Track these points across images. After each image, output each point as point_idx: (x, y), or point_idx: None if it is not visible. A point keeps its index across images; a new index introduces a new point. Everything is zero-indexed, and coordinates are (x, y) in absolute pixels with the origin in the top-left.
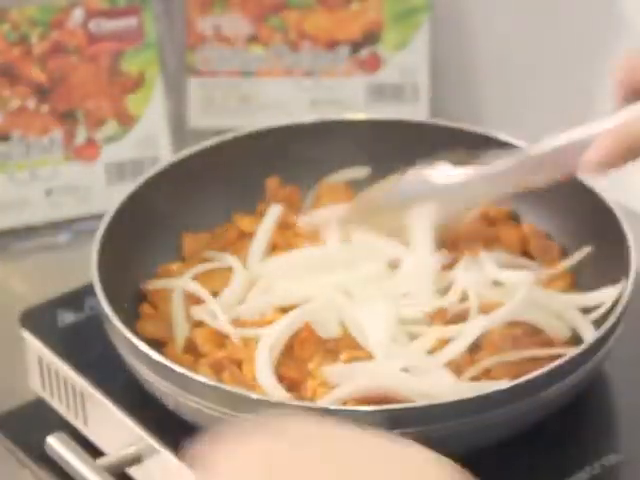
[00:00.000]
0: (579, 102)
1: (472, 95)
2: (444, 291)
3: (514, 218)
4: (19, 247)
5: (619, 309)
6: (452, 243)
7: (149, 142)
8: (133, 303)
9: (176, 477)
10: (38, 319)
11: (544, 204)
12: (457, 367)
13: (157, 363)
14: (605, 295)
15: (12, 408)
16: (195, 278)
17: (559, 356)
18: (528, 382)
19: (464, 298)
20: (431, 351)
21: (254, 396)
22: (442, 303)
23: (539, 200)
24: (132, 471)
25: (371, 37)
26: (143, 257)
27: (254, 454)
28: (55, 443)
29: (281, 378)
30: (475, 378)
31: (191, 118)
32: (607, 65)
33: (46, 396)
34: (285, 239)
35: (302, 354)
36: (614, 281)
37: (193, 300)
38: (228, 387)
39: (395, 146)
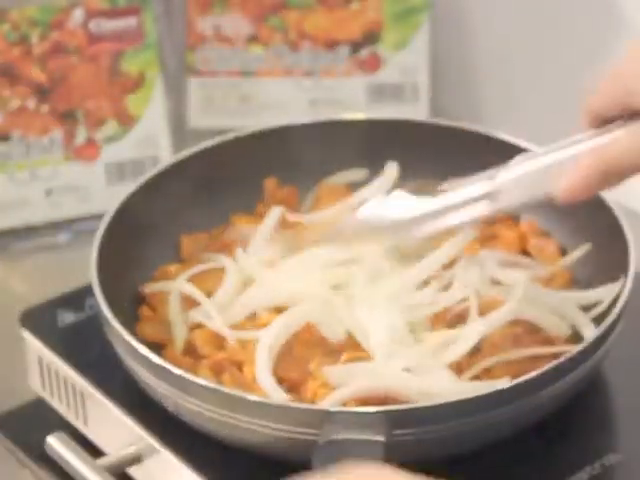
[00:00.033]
0: (579, 102)
1: (472, 95)
2: (444, 290)
3: (512, 216)
4: (19, 247)
5: (619, 306)
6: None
7: (149, 142)
8: (132, 304)
9: (176, 477)
10: (38, 319)
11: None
12: (458, 366)
13: (156, 365)
14: (604, 292)
15: (12, 408)
16: (192, 279)
17: (559, 354)
18: (529, 381)
19: (464, 297)
20: (433, 352)
21: (253, 398)
22: (443, 303)
23: None
24: (132, 471)
25: (371, 37)
26: (143, 258)
27: None
28: (55, 443)
29: (282, 379)
30: (475, 377)
31: (191, 118)
32: (607, 65)
33: (46, 396)
34: None
35: (302, 355)
36: (613, 279)
37: (191, 302)
38: (227, 389)
39: (395, 146)
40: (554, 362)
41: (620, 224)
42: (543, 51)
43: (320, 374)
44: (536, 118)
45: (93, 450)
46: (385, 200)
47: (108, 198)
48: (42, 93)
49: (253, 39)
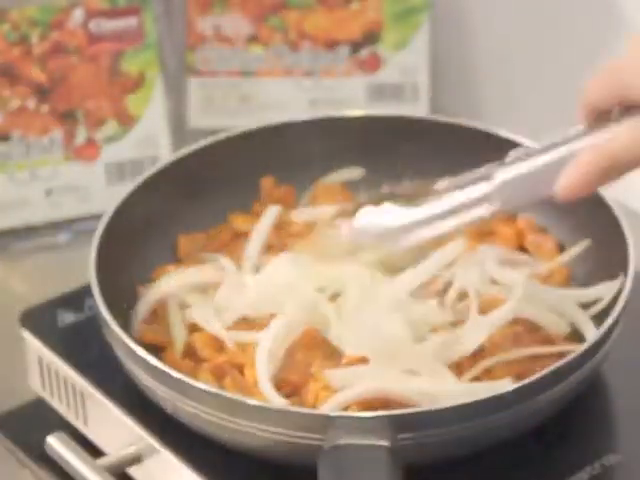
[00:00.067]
0: (578, 99)
1: (472, 95)
2: (443, 290)
3: (510, 213)
4: (19, 247)
5: (618, 308)
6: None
7: (149, 142)
8: (132, 304)
9: (176, 477)
10: (38, 319)
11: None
12: (458, 367)
13: (154, 368)
14: (604, 290)
15: (12, 408)
16: None
17: (560, 353)
18: (532, 383)
19: (463, 296)
20: (434, 353)
21: (252, 402)
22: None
23: None
24: (132, 471)
25: (371, 37)
26: (141, 258)
27: None
28: (55, 443)
29: (283, 382)
30: (476, 378)
31: (191, 118)
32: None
33: (46, 396)
34: (280, 239)
35: (304, 357)
36: (612, 276)
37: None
38: (226, 393)
39: (393, 143)
40: (554, 365)
41: (619, 221)
42: (543, 51)
43: (321, 377)
44: (536, 118)
45: (93, 450)
46: (378, 209)
47: (108, 198)
48: (42, 93)
49: (253, 39)
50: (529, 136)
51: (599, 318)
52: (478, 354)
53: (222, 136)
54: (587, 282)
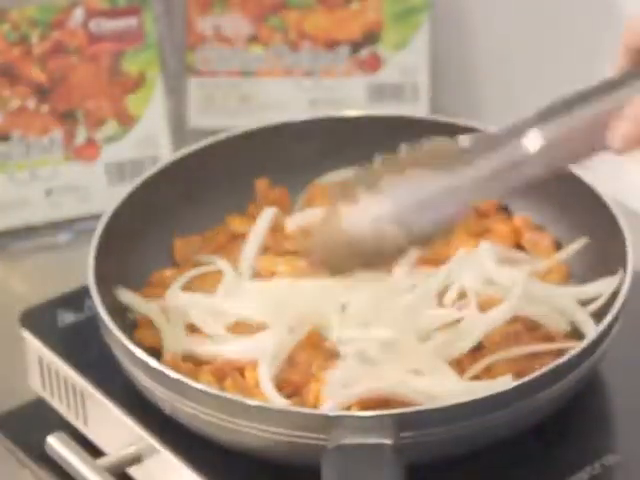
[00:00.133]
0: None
1: (472, 95)
2: (443, 290)
3: (505, 210)
4: (19, 247)
5: (617, 306)
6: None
7: (149, 142)
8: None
9: (176, 477)
10: (38, 319)
11: (537, 198)
12: (459, 365)
13: (153, 369)
14: (603, 286)
15: (12, 408)
16: (189, 282)
17: (560, 351)
18: (532, 381)
19: (463, 295)
20: (435, 352)
21: (251, 403)
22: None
23: (532, 194)
24: (132, 471)
25: (371, 37)
26: (142, 258)
27: None
28: (55, 443)
29: (284, 383)
30: (476, 377)
31: (191, 118)
32: (607, 65)
33: (46, 396)
34: (276, 241)
35: (305, 357)
36: (610, 273)
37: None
38: (225, 394)
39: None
40: (553, 364)
41: (616, 218)
42: (543, 51)
43: (322, 376)
44: None
45: (93, 450)
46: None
47: (108, 198)
48: (42, 93)
49: (253, 39)
50: None
51: (598, 315)
52: (478, 352)
53: (222, 136)
54: (585, 279)
